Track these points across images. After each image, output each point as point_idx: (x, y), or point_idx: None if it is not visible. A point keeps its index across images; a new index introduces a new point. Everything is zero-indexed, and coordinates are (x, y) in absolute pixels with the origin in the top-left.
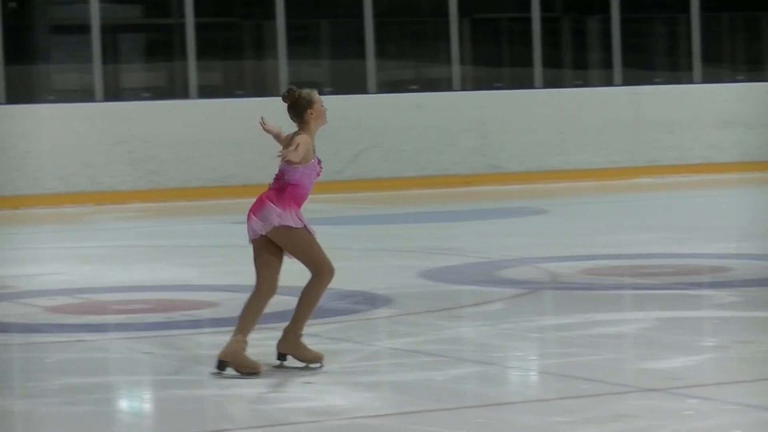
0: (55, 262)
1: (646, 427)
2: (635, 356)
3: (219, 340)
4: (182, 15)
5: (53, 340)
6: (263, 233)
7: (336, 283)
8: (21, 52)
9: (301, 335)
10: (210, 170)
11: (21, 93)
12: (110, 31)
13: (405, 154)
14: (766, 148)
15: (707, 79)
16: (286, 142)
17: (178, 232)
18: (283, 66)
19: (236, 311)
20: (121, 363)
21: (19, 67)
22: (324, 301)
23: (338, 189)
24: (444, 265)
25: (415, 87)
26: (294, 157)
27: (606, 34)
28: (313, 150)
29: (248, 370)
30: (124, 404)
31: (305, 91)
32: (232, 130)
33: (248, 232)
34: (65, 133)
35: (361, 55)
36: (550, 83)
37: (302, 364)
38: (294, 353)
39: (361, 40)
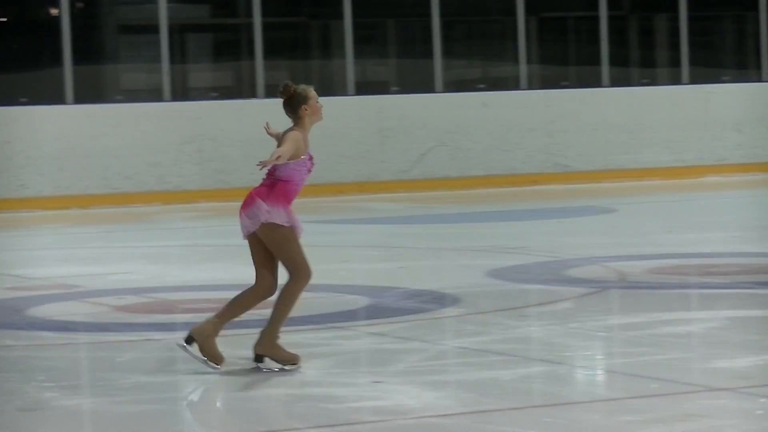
0: (123, 261)
1: (715, 426)
2: (704, 355)
3: (286, 339)
4: (250, 15)
5: (122, 339)
6: (253, 230)
7: (403, 283)
8: (89, 53)
9: (277, 337)
10: None
11: (89, 93)
12: (178, 31)
13: (472, 153)
14: None
15: None
16: (280, 139)
17: None
18: (350, 65)
19: (302, 311)
20: (190, 362)
21: (88, 67)
22: (392, 300)
23: (405, 188)
24: (511, 264)
25: (481, 86)
26: (280, 161)
27: (674, 32)
28: (306, 146)
29: (209, 357)
30: (194, 403)
31: (301, 87)
32: None
33: (242, 230)
34: (133, 132)
35: (428, 54)
36: (617, 82)
37: (278, 366)
38: (270, 355)
39: (428, 40)
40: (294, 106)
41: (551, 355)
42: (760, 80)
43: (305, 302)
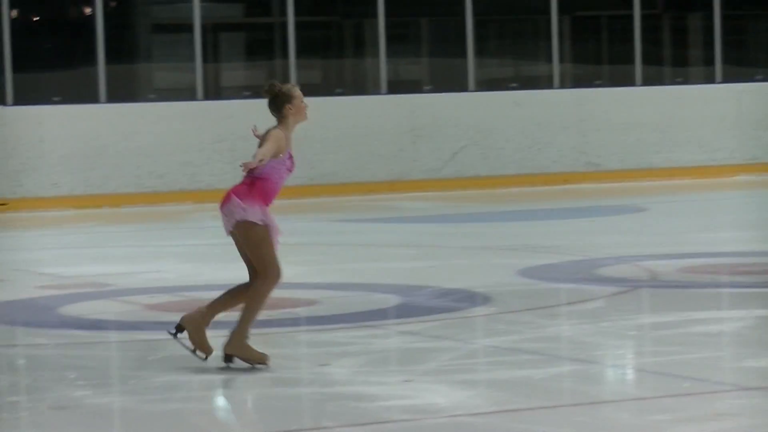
0: (155, 260)
1: (746, 426)
2: (735, 354)
3: (319, 337)
4: (283, 14)
5: (154, 337)
6: (230, 228)
7: (435, 281)
8: (122, 52)
9: (247, 337)
10: (309, 168)
11: (122, 92)
12: (211, 30)
13: (504, 151)
14: None
15: None
16: (261, 137)
17: None
18: (382, 64)
19: (335, 309)
20: (222, 360)
21: (120, 66)
22: (423, 299)
23: (437, 187)
24: (543, 263)
25: (514, 85)
26: (263, 163)
27: (707, 30)
28: (288, 145)
29: (197, 347)
30: (224, 401)
31: (286, 86)
32: (331, 128)
33: (224, 227)
34: (165, 131)
35: (460, 53)
36: (650, 80)
37: (248, 366)
38: (240, 354)
39: (460, 39)
40: (278, 105)
41: (582, 354)
42: None
43: (336, 301)
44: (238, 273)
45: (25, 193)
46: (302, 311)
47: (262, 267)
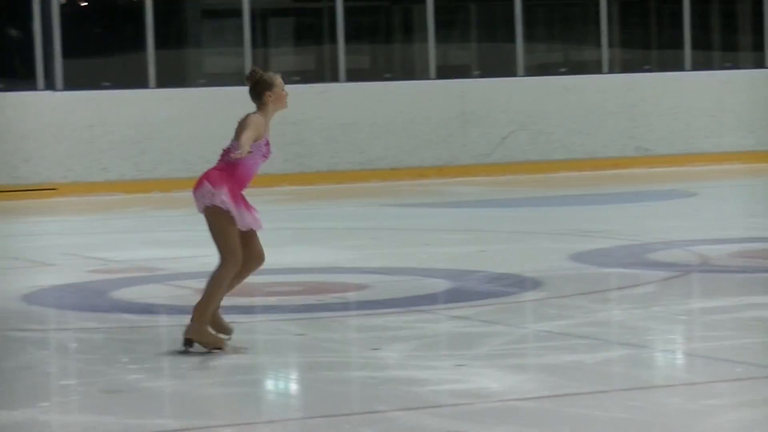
0: (205, 244)
1: None
2: None
3: (370, 322)
4: None
5: None
6: (200, 211)
7: (485, 266)
8: (171, 37)
9: (206, 322)
10: (358, 153)
11: (172, 77)
12: (260, 15)
13: (553, 136)
14: None
15: None
16: (239, 124)
17: (327, 215)
18: (431, 49)
19: (386, 294)
20: (274, 345)
21: (170, 51)
22: (473, 283)
23: (486, 172)
24: (593, 248)
25: (563, 70)
26: (246, 151)
27: (757, 15)
28: (267, 131)
29: (211, 346)
30: (276, 386)
31: (268, 74)
32: (380, 113)
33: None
34: (215, 116)
35: (509, 38)
36: (699, 65)
37: (205, 350)
38: (198, 339)
39: (509, 23)
40: (259, 91)
41: (633, 339)
42: None
43: (386, 286)
44: (286, 257)
45: (75, 178)
46: (352, 296)
47: (224, 253)
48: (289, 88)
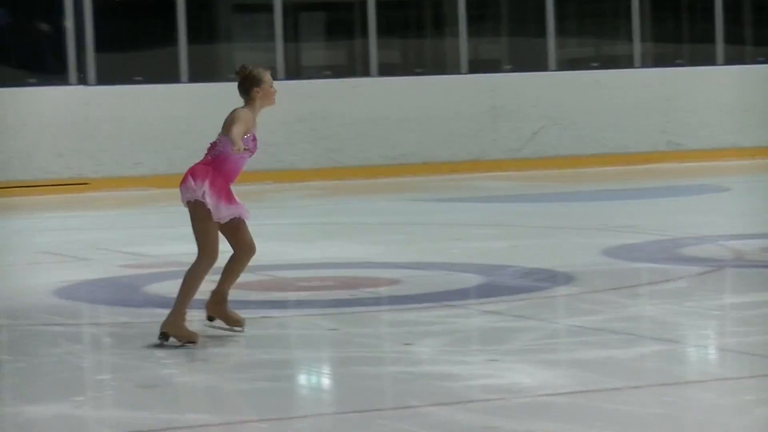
0: None
1: None
2: None
3: (402, 317)
4: None
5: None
6: (184, 204)
7: (517, 261)
8: (203, 32)
9: (183, 316)
10: (389, 148)
11: (203, 72)
12: (291, 9)
13: (585, 131)
14: None
15: None
16: (227, 118)
17: (358, 209)
18: (462, 44)
19: (418, 288)
20: (307, 339)
21: (202, 46)
22: (505, 278)
23: (517, 167)
24: (625, 243)
25: (595, 64)
26: (240, 144)
27: None
28: (254, 126)
29: (233, 323)
30: (310, 381)
31: (257, 70)
32: (411, 108)
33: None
34: None
35: (541, 32)
36: (731, 60)
37: (179, 343)
38: (174, 333)
39: (541, 18)
40: (247, 87)
41: (666, 334)
42: None
43: (418, 280)
44: (318, 252)
45: (107, 173)
46: (384, 290)
47: (201, 248)
48: (320, 82)
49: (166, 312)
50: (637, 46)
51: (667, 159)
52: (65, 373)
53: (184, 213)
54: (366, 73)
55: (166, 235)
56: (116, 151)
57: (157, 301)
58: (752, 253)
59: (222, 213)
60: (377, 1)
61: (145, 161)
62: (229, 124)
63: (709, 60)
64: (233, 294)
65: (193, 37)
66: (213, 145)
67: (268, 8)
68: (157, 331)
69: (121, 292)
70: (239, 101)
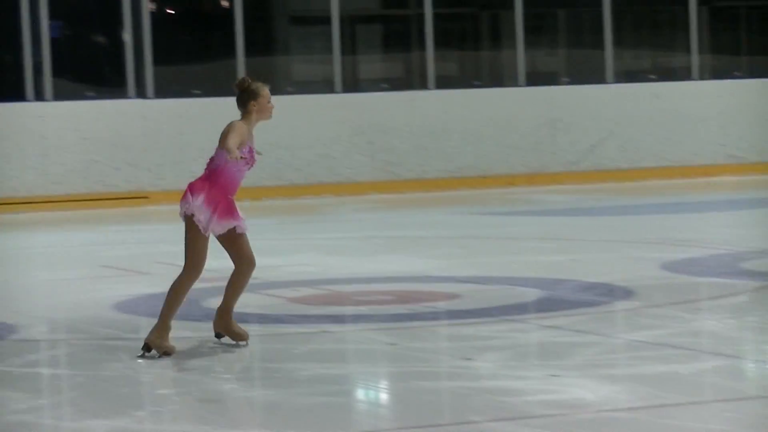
0: (296, 253)
1: None
2: None
3: (461, 332)
4: (420, 6)
5: (298, 330)
6: (182, 218)
7: (576, 275)
8: (260, 44)
9: (167, 328)
10: (447, 161)
11: None
12: (349, 22)
13: (643, 144)
14: None
15: None
16: (224, 130)
17: (417, 223)
18: (520, 56)
19: (477, 303)
20: (366, 354)
21: (259, 58)
22: (565, 292)
23: (575, 180)
24: (685, 257)
25: (652, 76)
26: (236, 153)
27: None
28: (250, 139)
29: (237, 337)
30: (369, 395)
31: (256, 84)
32: (469, 121)
33: None
34: (304, 124)
35: (598, 44)
36: None
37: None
38: (154, 344)
39: (598, 30)
40: (244, 100)
41: (728, 349)
42: None
43: (477, 295)
44: (376, 266)
45: (166, 186)
46: (443, 305)
47: (187, 261)
48: (377, 95)
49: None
50: (695, 58)
51: (727, 172)
52: (126, 388)
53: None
54: (423, 85)
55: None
56: (175, 164)
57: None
58: None
59: (214, 226)
60: (435, 14)
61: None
62: (224, 135)
63: (767, 72)
64: (291, 309)
65: (251, 50)
66: (211, 160)
67: (326, 21)
68: (219, 345)
69: (182, 307)
70: (299, 113)
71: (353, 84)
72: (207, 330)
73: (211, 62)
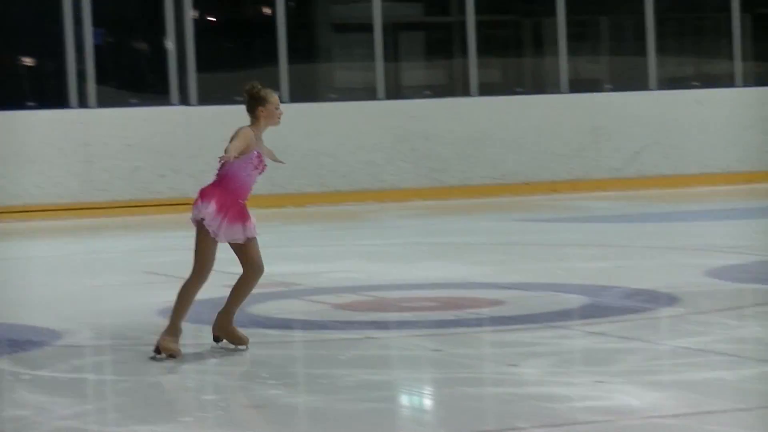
0: (340, 259)
1: None
2: None
3: (506, 338)
4: (462, 13)
5: (343, 337)
6: (194, 223)
7: (621, 281)
8: (303, 51)
9: (177, 331)
10: (490, 168)
11: (304, 91)
12: (391, 29)
13: (686, 151)
14: None
15: None
16: (232, 136)
17: (461, 229)
18: (563, 63)
19: (521, 309)
20: (410, 360)
21: (302, 65)
22: (610, 299)
23: (619, 187)
24: (729, 264)
25: (695, 83)
26: (232, 158)
27: None
28: (259, 145)
29: (237, 342)
30: (414, 401)
31: (264, 90)
32: (512, 128)
33: None
34: (348, 131)
35: (641, 51)
36: None
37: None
38: (162, 347)
39: (641, 37)
40: (252, 105)
41: None
42: None
43: (522, 301)
44: (421, 272)
45: None
46: (487, 311)
47: (195, 265)
48: (420, 102)
49: (273, 333)
50: (738, 65)
51: None
52: (171, 394)
53: (287, 233)
54: (466, 92)
55: (269, 254)
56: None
57: (261, 322)
58: None
59: (224, 232)
60: (477, 21)
61: None
62: (231, 139)
63: None
64: (336, 315)
65: (294, 57)
66: (221, 166)
67: (368, 28)
68: (264, 351)
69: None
70: (342, 120)
71: (396, 91)
72: (252, 336)
73: (253, 69)
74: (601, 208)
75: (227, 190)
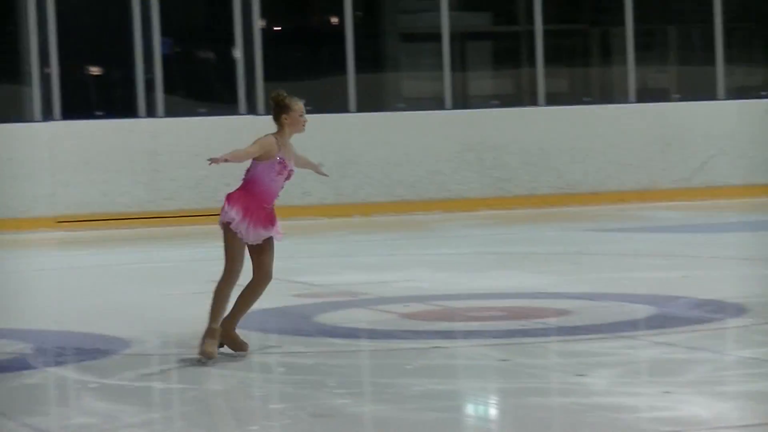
0: (407, 268)
1: None
2: None
3: (573, 348)
4: (530, 22)
5: (410, 346)
6: (220, 226)
7: (688, 292)
8: (370, 61)
9: (213, 330)
10: (557, 177)
11: (371, 101)
12: (459, 38)
13: (755, 160)
14: None
15: None
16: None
17: (527, 239)
18: (631, 72)
19: (588, 319)
20: (478, 370)
21: (369, 75)
22: (677, 309)
23: (687, 196)
24: None
25: (764, 93)
26: (230, 159)
27: None
28: (284, 151)
29: (237, 347)
30: (481, 411)
31: (289, 98)
32: (579, 137)
33: None
34: (415, 140)
35: (709, 61)
36: None
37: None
38: (201, 352)
39: (709, 46)
40: (277, 113)
41: None
42: None
43: (589, 311)
44: (488, 282)
45: (277, 202)
46: (554, 321)
47: (226, 267)
48: (488, 111)
49: (340, 342)
50: None
51: None
52: (238, 403)
53: (354, 242)
54: (533, 102)
55: (336, 264)
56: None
57: (328, 331)
58: None
59: (250, 235)
60: (544, 30)
61: (312, 191)
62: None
63: None
64: (403, 324)
65: (361, 66)
66: (247, 171)
67: (436, 37)
68: (330, 360)
69: (293, 322)
70: (410, 130)
71: (463, 100)
72: (318, 345)
73: (321, 78)
74: (669, 218)
75: (252, 195)
